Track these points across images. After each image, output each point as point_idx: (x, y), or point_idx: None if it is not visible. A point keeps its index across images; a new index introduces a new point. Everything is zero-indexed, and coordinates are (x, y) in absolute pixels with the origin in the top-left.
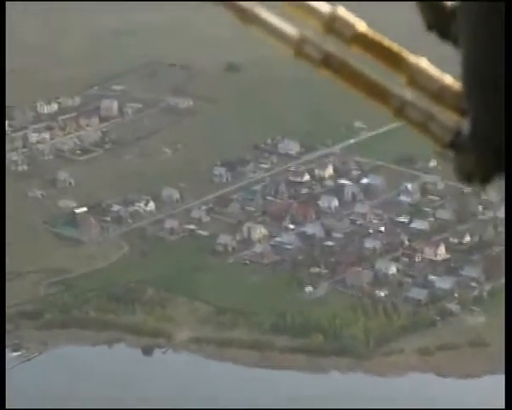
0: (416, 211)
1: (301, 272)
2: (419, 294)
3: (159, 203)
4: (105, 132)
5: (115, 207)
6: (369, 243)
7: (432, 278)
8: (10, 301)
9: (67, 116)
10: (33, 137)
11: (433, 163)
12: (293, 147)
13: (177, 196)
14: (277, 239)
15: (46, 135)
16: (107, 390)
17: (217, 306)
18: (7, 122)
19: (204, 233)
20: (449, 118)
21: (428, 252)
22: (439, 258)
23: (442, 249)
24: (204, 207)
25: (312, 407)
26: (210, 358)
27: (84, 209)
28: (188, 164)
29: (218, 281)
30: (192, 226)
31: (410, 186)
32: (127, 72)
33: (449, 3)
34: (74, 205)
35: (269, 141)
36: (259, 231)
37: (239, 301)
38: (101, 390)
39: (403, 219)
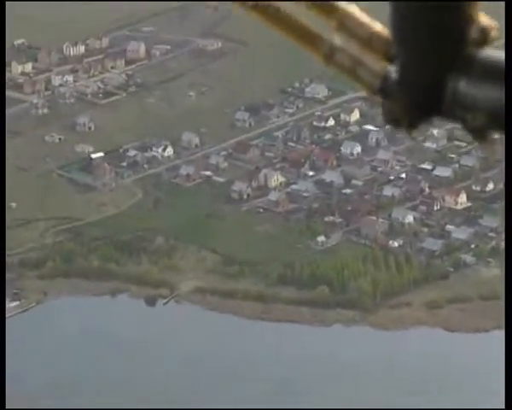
0: (440, 158)
1: (315, 221)
2: (434, 244)
3: (177, 148)
4: (130, 75)
5: (132, 153)
6: (387, 191)
7: (449, 227)
8: (14, 249)
9: (93, 58)
10: (57, 80)
11: None
12: (320, 91)
13: (196, 141)
14: (294, 187)
15: (70, 78)
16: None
17: (225, 255)
18: (30, 64)
19: (220, 180)
20: (378, 64)
21: (448, 200)
22: (459, 206)
23: (463, 197)
24: (223, 153)
25: (310, 361)
26: (212, 309)
27: (101, 154)
28: (211, 108)
29: (229, 230)
30: (208, 173)
31: (436, 132)
32: (158, 13)
33: None
34: (91, 150)
35: (296, 85)
36: (276, 178)
37: (248, 251)
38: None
39: (426, 165)
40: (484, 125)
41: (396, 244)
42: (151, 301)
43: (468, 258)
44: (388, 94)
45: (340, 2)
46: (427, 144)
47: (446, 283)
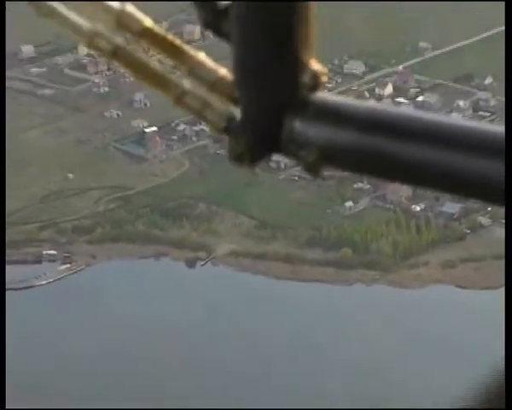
0: None
1: (345, 188)
2: (453, 208)
3: None
4: None
5: (182, 127)
6: None
7: None
8: (69, 216)
9: None
10: None
11: (488, 80)
12: (358, 67)
13: None
14: None
15: None
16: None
17: (259, 220)
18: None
19: None
20: (224, 106)
21: None
22: None
23: None
24: None
25: (332, 314)
26: (244, 270)
27: (154, 129)
28: None
29: (265, 196)
30: None
31: (462, 103)
32: None
33: (222, 3)
34: (146, 125)
35: (336, 62)
36: None
37: (281, 216)
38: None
39: None
40: (315, 161)
41: (418, 208)
42: (191, 263)
43: (484, 220)
44: (232, 133)
45: (189, 49)
46: (454, 115)
47: (463, 244)
